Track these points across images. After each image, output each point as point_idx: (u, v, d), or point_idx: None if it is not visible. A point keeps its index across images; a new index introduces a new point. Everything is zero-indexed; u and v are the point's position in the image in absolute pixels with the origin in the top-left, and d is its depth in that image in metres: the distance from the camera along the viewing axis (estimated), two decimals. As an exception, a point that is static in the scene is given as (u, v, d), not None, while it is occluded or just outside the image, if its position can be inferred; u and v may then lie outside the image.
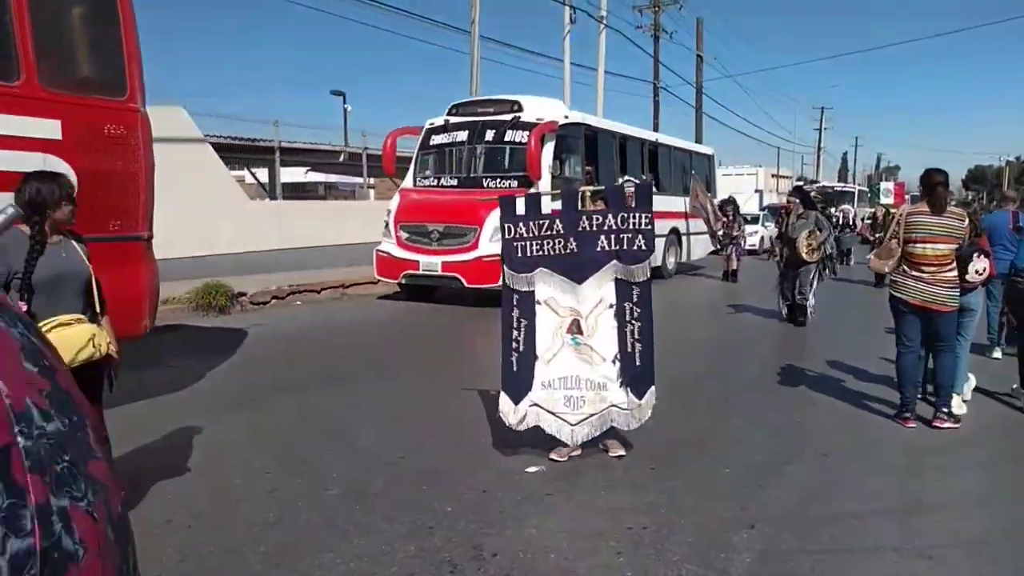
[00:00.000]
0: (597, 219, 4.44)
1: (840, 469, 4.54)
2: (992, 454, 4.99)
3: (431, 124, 12.61)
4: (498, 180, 11.61)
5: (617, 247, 4.41)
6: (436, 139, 12.46)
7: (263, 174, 27.01)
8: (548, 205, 5.54)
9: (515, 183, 10.94)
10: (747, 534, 3.56)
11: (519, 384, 4.48)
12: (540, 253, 4.48)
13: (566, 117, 12.30)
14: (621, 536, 3.52)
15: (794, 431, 5.31)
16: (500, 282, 4.72)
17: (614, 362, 4.43)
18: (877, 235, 13.82)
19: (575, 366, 4.44)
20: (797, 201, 10.07)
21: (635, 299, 4.42)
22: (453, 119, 12.41)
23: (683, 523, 3.67)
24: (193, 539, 3.43)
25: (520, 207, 4.65)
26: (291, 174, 32.51)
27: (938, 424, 5.24)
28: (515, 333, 4.50)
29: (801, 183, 12.34)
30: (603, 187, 5.06)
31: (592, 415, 4.41)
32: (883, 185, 34.92)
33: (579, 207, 4.60)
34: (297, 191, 34.95)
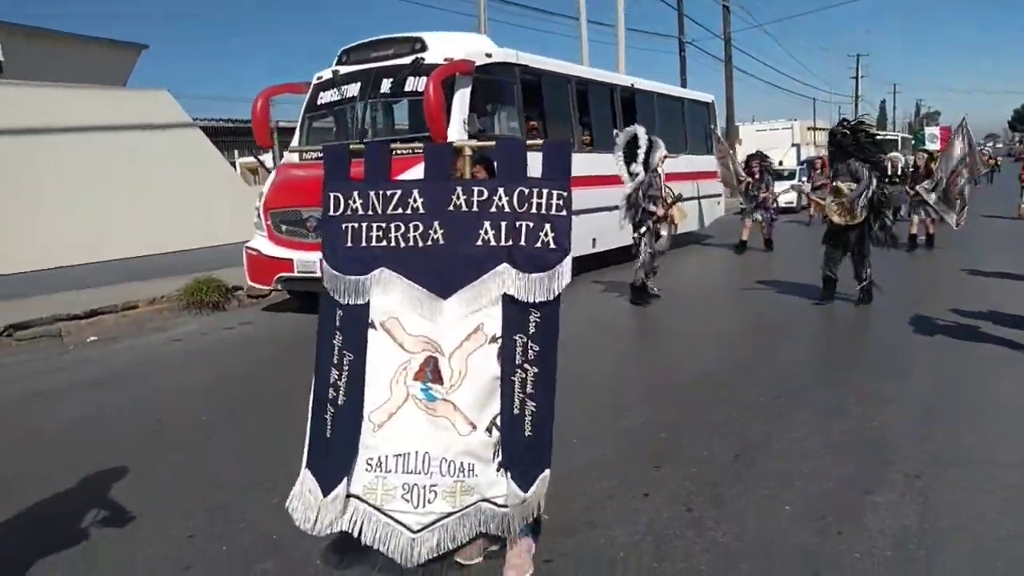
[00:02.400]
0: (480, 193, 2.75)
1: (938, 500, 3.42)
2: None
3: (318, 78, 9.88)
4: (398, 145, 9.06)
5: (510, 242, 2.71)
6: (325, 96, 9.72)
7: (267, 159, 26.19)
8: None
9: (419, 147, 9.02)
10: (826, 622, 2.51)
11: (333, 459, 2.73)
12: (384, 243, 2.78)
13: (488, 56, 9.31)
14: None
15: (870, 443, 4.18)
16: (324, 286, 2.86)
17: (489, 431, 2.71)
18: (919, 185, 11.77)
19: (425, 436, 2.70)
20: (834, 149, 8.04)
21: (532, 330, 2.70)
22: (344, 69, 9.59)
23: (733, 605, 2.63)
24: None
25: (354, 166, 2.91)
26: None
27: None
28: (334, 374, 2.77)
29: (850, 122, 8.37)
30: (491, 141, 3.28)
31: (448, 515, 2.70)
32: (927, 131, 32.88)
33: (450, 172, 2.90)
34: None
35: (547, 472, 2.72)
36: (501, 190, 2.73)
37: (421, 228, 2.76)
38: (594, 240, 10.65)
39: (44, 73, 14.69)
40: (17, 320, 8.10)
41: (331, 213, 2.83)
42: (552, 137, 9.43)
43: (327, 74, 9.71)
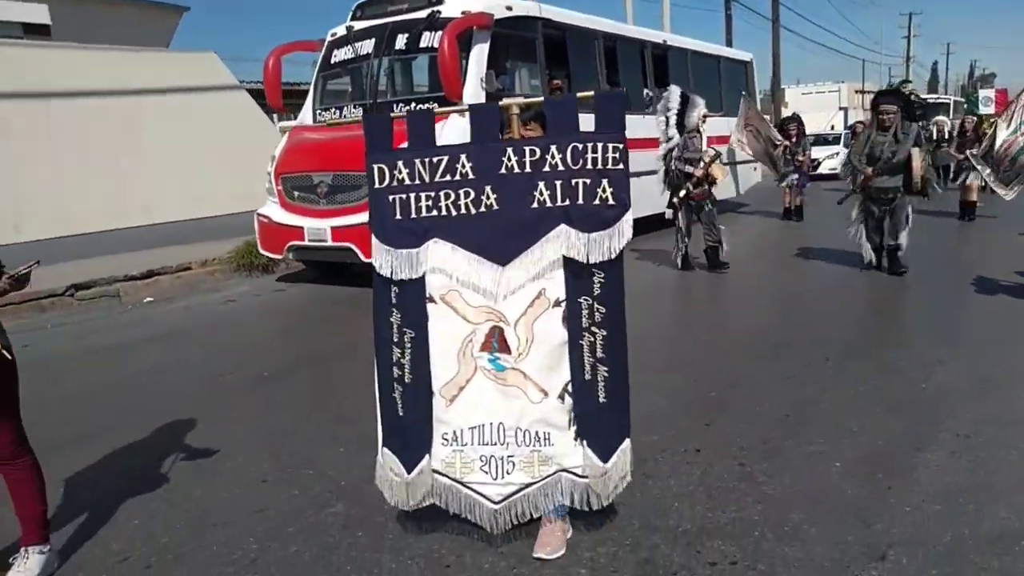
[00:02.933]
0: (532, 153, 2.62)
1: (990, 458, 3.45)
2: None
3: (332, 35, 9.46)
4: (413, 104, 8.22)
5: (566, 202, 2.62)
6: (339, 54, 9.27)
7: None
8: (455, 132, 3.76)
9: (436, 107, 8.25)
10: (876, 570, 2.59)
11: (410, 438, 2.77)
12: (435, 213, 2.68)
13: (508, 8, 8.78)
14: (699, 573, 2.60)
15: (921, 404, 4.21)
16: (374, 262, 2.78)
17: (562, 398, 2.68)
18: (969, 151, 11.21)
19: (496, 406, 2.69)
20: (895, 110, 7.39)
21: (597, 291, 2.64)
22: (358, 25, 9.14)
23: (790, 551, 2.72)
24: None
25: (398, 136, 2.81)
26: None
27: None
28: (397, 352, 2.75)
29: (892, 87, 8.92)
30: (539, 98, 3.10)
31: (528, 485, 2.70)
32: (982, 93, 31.61)
33: (502, 133, 2.77)
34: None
35: (627, 443, 2.71)
36: (554, 147, 2.60)
37: (472, 194, 2.65)
38: None
39: (90, 36, 14.84)
40: (79, 280, 8.40)
41: (376, 185, 2.73)
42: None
43: (341, 31, 9.28)
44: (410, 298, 2.71)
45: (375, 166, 2.73)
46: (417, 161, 2.68)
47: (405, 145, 2.73)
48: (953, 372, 4.70)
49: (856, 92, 39.51)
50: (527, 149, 2.62)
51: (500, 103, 2.83)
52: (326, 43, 9.43)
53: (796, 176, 12.79)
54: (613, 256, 2.60)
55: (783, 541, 2.80)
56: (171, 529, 3.11)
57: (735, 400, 4.32)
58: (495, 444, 2.68)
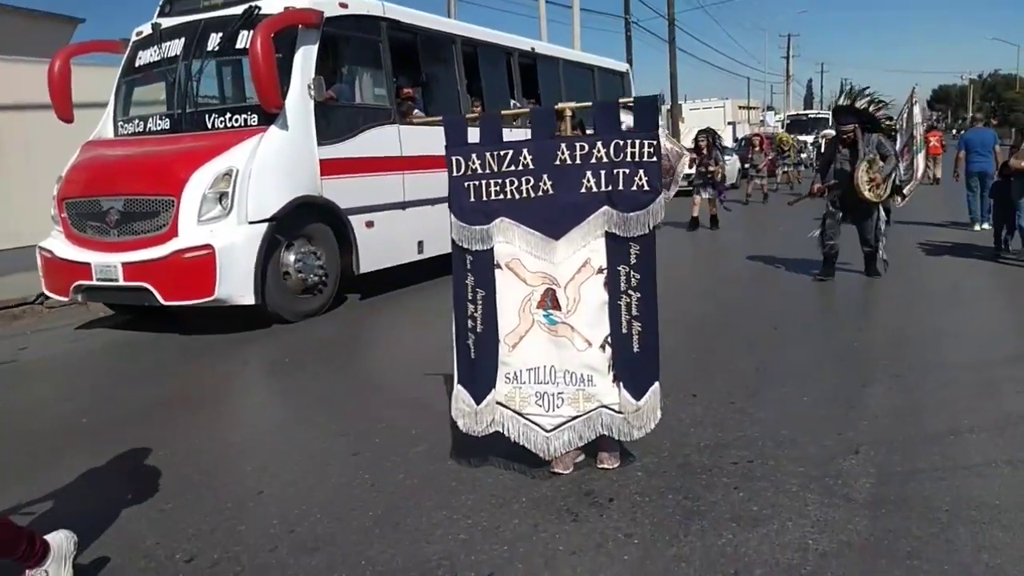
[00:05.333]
0: (582, 148, 3.27)
1: (917, 389, 4.51)
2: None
3: (138, 34, 8.07)
4: (227, 116, 7.20)
5: (609, 187, 3.25)
6: (144, 56, 7.87)
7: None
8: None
9: (253, 118, 6.97)
10: (855, 459, 3.50)
11: (480, 376, 3.42)
12: (501, 197, 3.34)
13: (343, 6, 7.60)
14: (730, 472, 3.44)
15: (857, 355, 5.27)
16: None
17: (603, 348, 3.31)
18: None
19: (549, 353, 3.34)
20: (852, 127, 7.49)
21: (633, 261, 3.26)
22: (167, 22, 7.81)
23: (786, 454, 3.60)
24: (293, 508, 3.27)
25: (473, 133, 3.46)
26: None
27: None
28: (470, 308, 3.41)
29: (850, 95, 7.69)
30: (586, 104, 3.71)
31: (574, 418, 3.34)
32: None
33: (555, 131, 3.42)
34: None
35: (657, 384, 3.33)
36: (599, 143, 3.23)
37: (532, 181, 3.29)
38: None
39: None
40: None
41: (454, 174, 3.40)
42: (432, 106, 9.07)
43: (147, 29, 7.98)
44: (481, 265, 3.39)
45: (453, 158, 3.40)
46: (488, 154, 3.35)
47: (478, 140, 3.40)
48: (875, 334, 5.81)
49: (741, 108, 42.14)
50: (577, 145, 3.29)
51: (555, 107, 3.56)
52: (130, 43, 8.12)
53: (711, 189, 13.30)
54: (647, 232, 3.25)
55: (780, 447, 3.68)
56: (286, 471, 3.72)
57: (712, 361, 5.23)
58: (547, 382, 3.35)
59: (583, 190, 3.28)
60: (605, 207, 3.27)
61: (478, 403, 3.44)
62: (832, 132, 24.43)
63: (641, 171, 3.22)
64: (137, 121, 7.77)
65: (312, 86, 7.08)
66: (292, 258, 6.98)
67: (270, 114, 6.80)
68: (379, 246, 7.95)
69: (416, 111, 8.79)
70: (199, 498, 3.43)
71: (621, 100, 3.49)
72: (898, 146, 10.78)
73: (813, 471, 3.39)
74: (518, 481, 3.43)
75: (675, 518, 3.03)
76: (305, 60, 7.14)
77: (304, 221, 7.13)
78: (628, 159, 3.22)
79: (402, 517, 3.14)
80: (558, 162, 3.29)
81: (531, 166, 3.31)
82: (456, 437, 3.87)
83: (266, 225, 6.67)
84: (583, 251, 3.30)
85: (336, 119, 7.45)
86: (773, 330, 6.02)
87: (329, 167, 7.27)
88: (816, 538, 2.82)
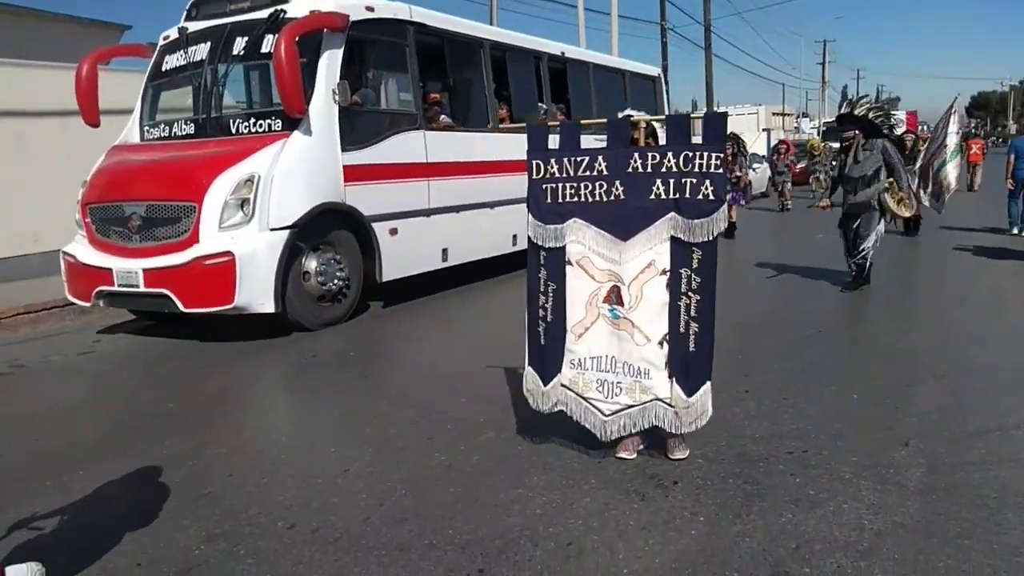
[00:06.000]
0: (653, 157, 3.48)
1: (961, 388, 4.69)
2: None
3: (165, 38, 8.10)
4: (251, 121, 7.20)
5: (676, 195, 3.44)
6: (171, 61, 7.89)
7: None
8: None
9: (277, 123, 6.97)
10: (905, 451, 3.70)
11: (548, 360, 3.76)
12: (576, 199, 3.62)
13: (370, 9, 7.54)
14: (786, 460, 3.66)
15: (901, 356, 5.45)
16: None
17: (661, 344, 3.51)
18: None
19: (611, 344, 3.61)
20: (852, 134, 7.69)
21: (695, 265, 3.43)
22: (193, 26, 7.81)
23: (839, 446, 3.80)
24: (379, 485, 3.56)
25: (553, 139, 3.76)
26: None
27: None
28: (542, 299, 3.75)
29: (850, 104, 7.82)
30: (660, 117, 3.94)
31: (631, 407, 3.59)
32: (894, 115, 34.59)
33: (630, 141, 3.66)
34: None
35: (708, 384, 3.51)
36: (670, 154, 3.44)
37: (605, 186, 3.56)
38: (515, 237, 9.35)
39: (25, 53, 12.58)
40: None
41: (534, 176, 3.74)
42: (458, 111, 9.03)
43: (173, 33, 7.97)
44: (554, 261, 3.70)
45: (534, 162, 3.74)
46: (566, 160, 3.65)
47: (558, 146, 3.72)
48: (919, 336, 5.98)
49: (775, 114, 42.00)
50: (649, 154, 3.52)
51: (631, 118, 3.78)
52: (158, 47, 8.16)
53: (732, 194, 12.98)
54: (710, 239, 3.42)
55: (833, 439, 3.89)
56: (364, 453, 4.00)
57: (760, 360, 5.43)
58: (608, 371, 3.63)
59: (652, 196, 3.49)
60: (672, 213, 3.46)
61: (545, 384, 3.77)
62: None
63: (707, 181, 3.40)
64: (163, 126, 7.80)
65: (337, 91, 7.02)
66: (314, 265, 6.90)
67: (294, 119, 6.77)
68: (403, 254, 7.84)
69: (443, 116, 8.79)
70: (290, 475, 3.73)
71: (693, 115, 3.70)
72: (930, 150, 10.83)
73: (865, 460, 3.59)
74: (586, 464, 3.68)
75: (737, 499, 3.26)
76: (330, 64, 7.09)
77: (327, 228, 7.06)
78: (696, 169, 3.41)
79: (481, 494, 3.41)
80: (630, 169, 3.53)
81: (605, 172, 3.57)
82: (521, 425, 4.15)
83: (288, 232, 6.60)
84: (648, 253, 3.52)
85: (361, 124, 7.39)
86: (818, 333, 6.21)
87: (353, 173, 7.20)
88: (871, 519, 3.03)
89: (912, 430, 3.97)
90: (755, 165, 20.14)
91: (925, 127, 27.21)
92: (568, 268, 3.67)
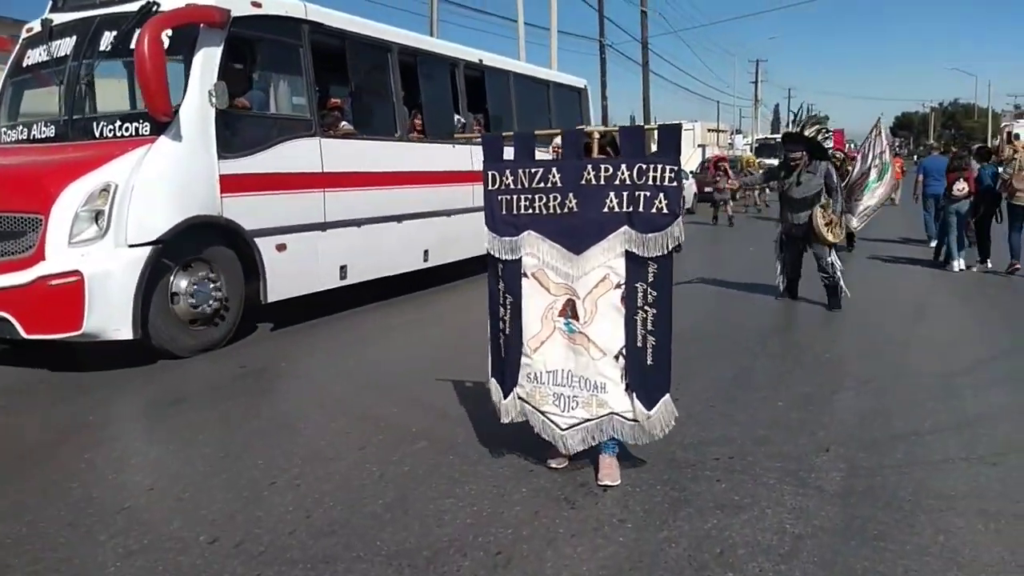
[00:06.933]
0: (606, 170, 3.40)
1: (884, 394, 4.86)
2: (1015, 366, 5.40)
3: (28, 30, 7.40)
4: (116, 124, 6.46)
5: (630, 208, 3.37)
6: (33, 55, 7.23)
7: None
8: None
9: (145, 127, 6.26)
10: (826, 456, 3.81)
11: (507, 372, 3.73)
12: (530, 211, 3.56)
13: (256, 5, 6.87)
14: (712, 467, 3.72)
15: (828, 364, 5.63)
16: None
17: (617, 359, 3.47)
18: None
19: (567, 358, 3.56)
20: (799, 155, 7.49)
21: (651, 279, 3.39)
22: (58, 17, 7.10)
23: (763, 451, 3.89)
24: (307, 496, 3.49)
25: (507, 150, 3.69)
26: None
27: None
28: (501, 311, 3.72)
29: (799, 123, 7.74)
30: (614, 127, 3.78)
31: (587, 421, 3.54)
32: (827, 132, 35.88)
33: (583, 153, 3.56)
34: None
35: (668, 396, 3.47)
36: (623, 166, 3.36)
37: (559, 198, 3.48)
38: (426, 252, 8.96)
39: None
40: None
41: (490, 187, 3.67)
42: (362, 118, 8.27)
43: (37, 25, 7.26)
44: (510, 273, 3.65)
45: (489, 173, 3.67)
46: (520, 171, 3.58)
47: (513, 158, 3.65)
48: (844, 345, 6.18)
49: (710, 131, 43.00)
50: (603, 167, 3.43)
51: (584, 129, 3.78)
52: (20, 40, 7.45)
53: None
54: (665, 252, 3.36)
55: (758, 444, 3.98)
56: (294, 464, 3.92)
57: (692, 368, 5.50)
58: (564, 385, 3.57)
59: (605, 209, 3.43)
60: (625, 227, 3.40)
61: (505, 397, 3.74)
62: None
63: (661, 195, 3.33)
64: (21, 128, 7.06)
65: (214, 93, 6.33)
66: (184, 285, 6.16)
67: (161, 123, 6.10)
68: (292, 271, 7.10)
69: (344, 123, 8.07)
70: (215, 487, 3.63)
71: (647, 127, 3.65)
72: (859, 169, 11.19)
73: (788, 466, 3.69)
74: (517, 474, 3.68)
75: (664, 506, 3.31)
76: (206, 63, 6.38)
77: (200, 244, 6.32)
78: (649, 182, 3.34)
79: (411, 504, 3.37)
80: (584, 181, 3.45)
81: (559, 184, 3.50)
82: (454, 436, 4.12)
83: (150, 248, 5.83)
84: (603, 267, 3.47)
85: (243, 130, 6.65)
86: (747, 342, 6.35)
87: (232, 183, 6.46)
88: (792, 523, 3.11)
89: (834, 435, 4.10)
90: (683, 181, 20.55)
91: (852, 145, 28.17)
92: (524, 280, 3.62)
